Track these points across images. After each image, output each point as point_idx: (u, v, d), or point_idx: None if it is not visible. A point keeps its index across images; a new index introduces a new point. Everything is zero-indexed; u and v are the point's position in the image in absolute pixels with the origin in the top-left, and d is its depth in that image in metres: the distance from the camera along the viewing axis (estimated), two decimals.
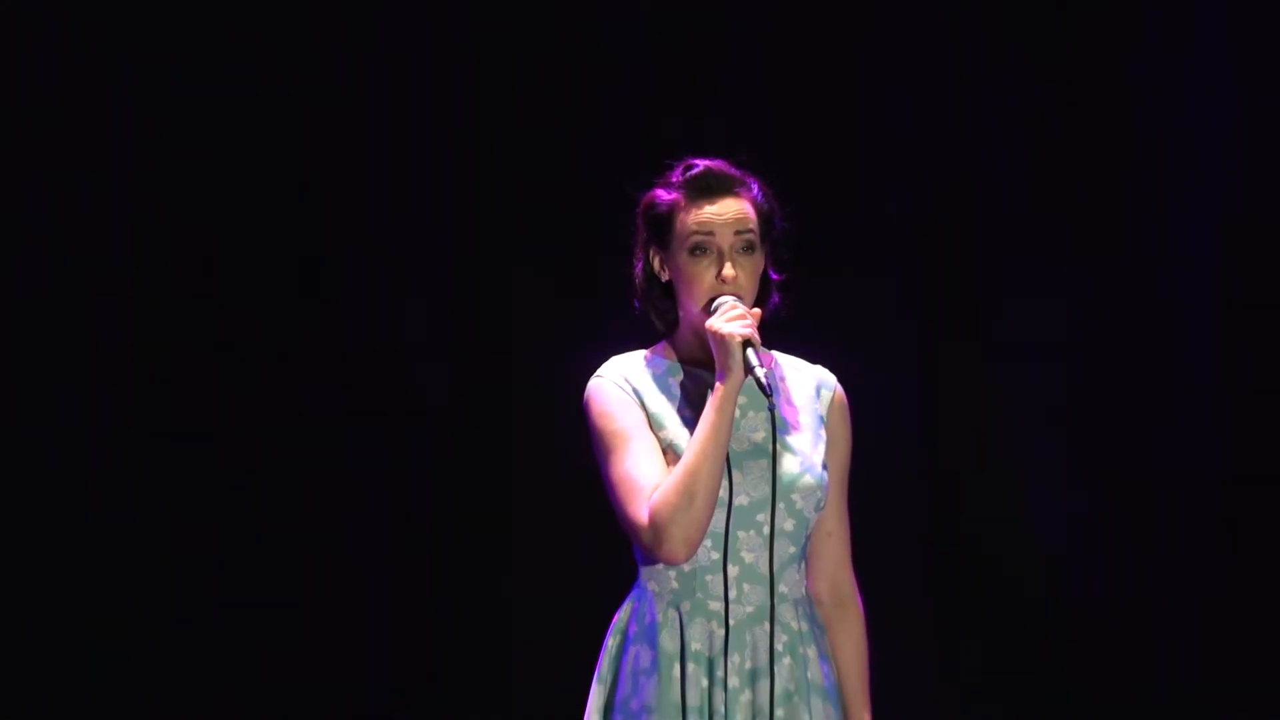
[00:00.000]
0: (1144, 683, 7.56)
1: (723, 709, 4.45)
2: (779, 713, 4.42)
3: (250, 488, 7.34)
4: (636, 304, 4.60)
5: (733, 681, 4.43)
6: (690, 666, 4.44)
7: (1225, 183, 7.79)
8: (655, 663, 4.45)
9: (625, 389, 4.50)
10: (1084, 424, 7.60)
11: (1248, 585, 7.76)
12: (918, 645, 6.96)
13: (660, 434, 4.44)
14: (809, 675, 4.48)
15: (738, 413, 4.41)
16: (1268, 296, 7.69)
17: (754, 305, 4.42)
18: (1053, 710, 7.45)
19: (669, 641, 4.43)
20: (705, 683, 4.43)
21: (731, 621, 4.43)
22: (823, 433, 4.56)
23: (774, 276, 4.51)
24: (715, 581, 4.41)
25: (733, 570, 4.41)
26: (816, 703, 4.46)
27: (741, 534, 4.43)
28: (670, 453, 4.40)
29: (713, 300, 4.37)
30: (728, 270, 4.37)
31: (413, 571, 7.30)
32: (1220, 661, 7.66)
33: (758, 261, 4.43)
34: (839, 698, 4.58)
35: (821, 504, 4.49)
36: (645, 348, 4.57)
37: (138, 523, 7.33)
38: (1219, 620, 7.67)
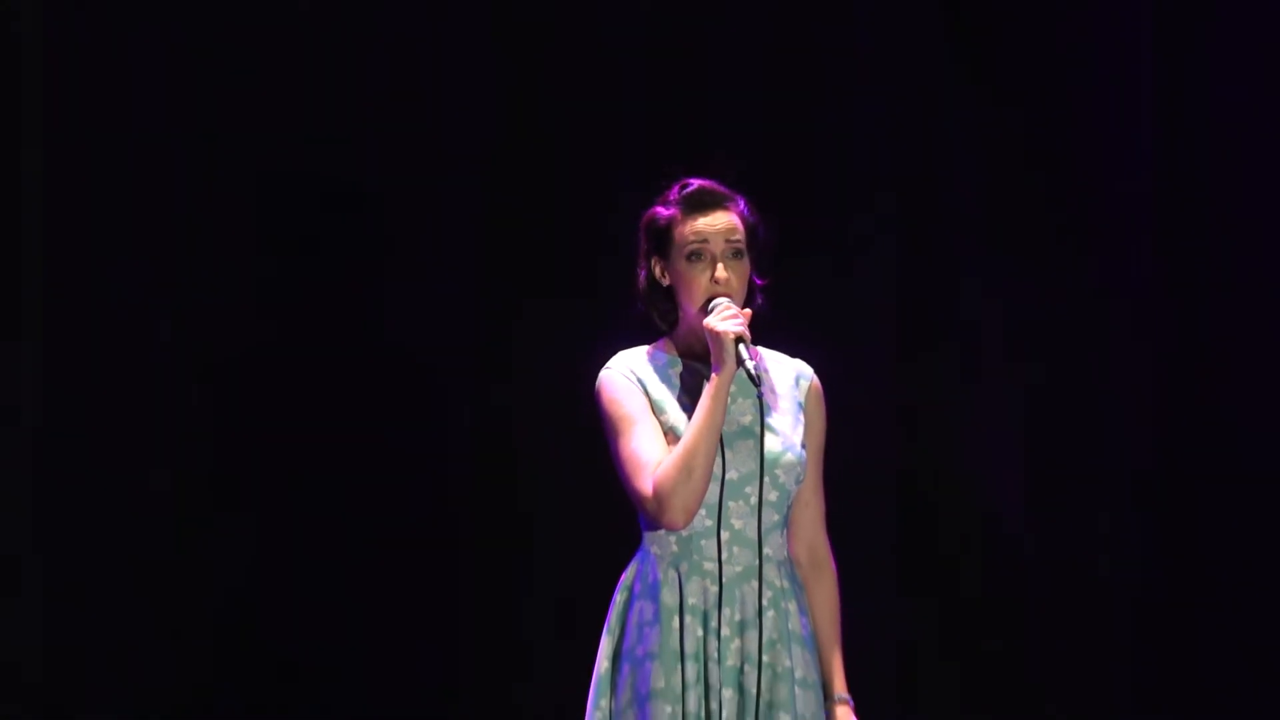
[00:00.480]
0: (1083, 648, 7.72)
1: (716, 655, 4.84)
2: (765, 658, 4.82)
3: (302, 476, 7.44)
4: (640, 306, 4.99)
5: (725, 631, 4.84)
6: (688, 619, 4.84)
7: (1155, 199, 7.94)
8: (657, 615, 4.85)
9: (631, 379, 4.91)
10: (1037, 421, 7.78)
11: (1184, 580, 7.94)
12: (884, 609, 7.16)
13: (661, 418, 4.84)
14: (790, 626, 4.88)
15: (729, 399, 4.85)
16: (1198, 303, 7.90)
17: (743, 306, 4.83)
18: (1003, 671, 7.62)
19: (669, 597, 4.84)
20: (700, 632, 4.83)
21: (724, 580, 4.83)
22: (801, 417, 4.95)
23: (758, 281, 4.91)
24: (709, 545, 4.83)
25: (724, 535, 4.82)
26: (796, 649, 4.86)
27: (732, 504, 4.82)
28: (670, 434, 4.81)
29: (709, 301, 4.77)
30: (720, 272, 4.76)
31: (449, 546, 7.41)
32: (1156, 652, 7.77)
33: (745, 266, 4.83)
34: (815, 646, 4.97)
35: (801, 478, 4.89)
36: (646, 345, 5.00)
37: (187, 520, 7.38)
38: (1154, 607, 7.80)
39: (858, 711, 5.11)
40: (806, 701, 4.95)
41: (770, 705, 4.89)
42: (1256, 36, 8.23)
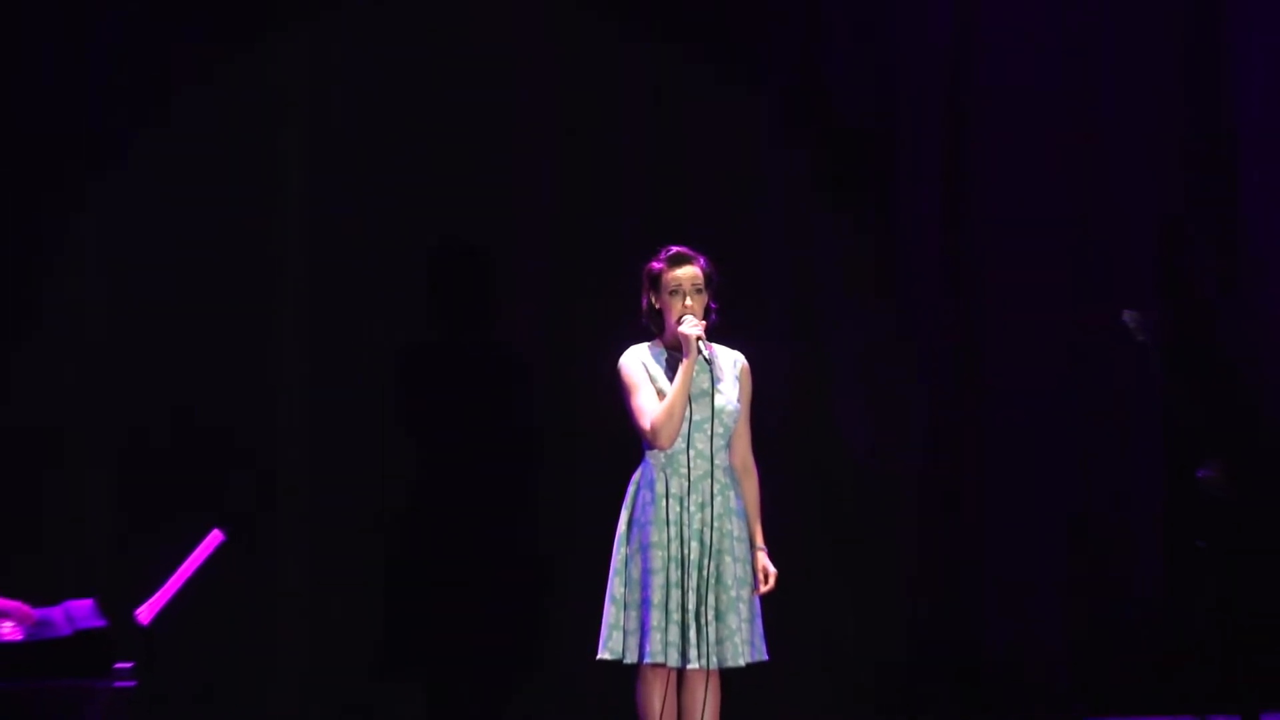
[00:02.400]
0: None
1: (687, 521, 6.31)
2: (715, 524, 6.30)
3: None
4: (643, 320, 6.46)
5: (691, 508, 6.31)
6: (670, 500, 6.35)
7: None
8: (652, 498, 6.33)
9: (637, 362, 6.38)
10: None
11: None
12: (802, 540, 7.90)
13: (655, 385, 6.33)
14: (730, 505, 6.36)
15: (695, 373, 6.23)
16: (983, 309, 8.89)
17: (703, 319, 6.27)
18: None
19: (659, 487, 6.33)
20: (678, 509, 6.33)
21: (691, 478, 6.32)
22: (737, 384, 6.41)
23: (712, 306, 6.36)
24: (682, 458, 6.33)
25: (691, 453, 6.31)
26: (734, 518, 6.36)
27: (696, 435, 6.29)
28: (660, 394, 6.30)
29: (681, 317, 6.25)
30: (688, 302, 6.30)
31: (532, 485, 8.44)
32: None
33: (704, 298, 6.31)
34: (745, 519, 6.41)
35: (736, 419, 6.36)
36: (647, 342, 6.45)
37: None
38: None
39: (770, 557, 6.43)
40: (740, 549, 6.35)
41: (718, 550, 6.28)
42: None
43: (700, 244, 6.64)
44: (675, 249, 6.52)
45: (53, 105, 7.87)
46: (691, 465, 6.43)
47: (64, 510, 7.77)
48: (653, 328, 6.59)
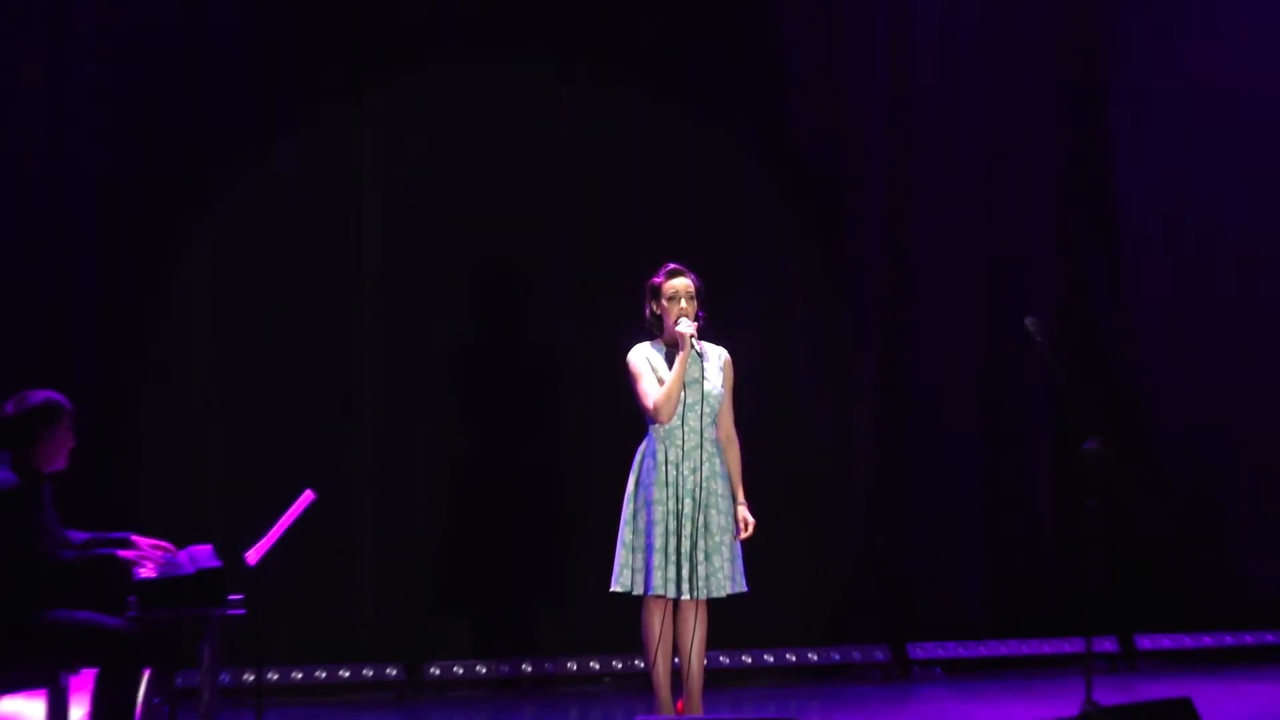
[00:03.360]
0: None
1: (681, 482, 6.37)
2: (704, 484, 6.37)
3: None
4: (646, 323, 6.54)
5: (685, 472, 6.39)
6: (668, 465, 6.41)
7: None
8: (654, 464, 6.41)
9: (642, 356, 6.52)
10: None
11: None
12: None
13: (656, 374, 6.44)
14: (716, 469, 6.45)
15: (688, 364, 6.35)
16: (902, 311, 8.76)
17: (694, 320, 6.39)
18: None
19: (660, 455, 6.42)
20: (675, 473, 6.40)
21: (685, 448, 6.41)
22: (721, 374, 6.51)
23: (700, 312, 6.47)
24: (679, 431, 6.42)
25: (685, 428, 6.41)
26: (719, 480, 6.44)
27: (689, 413, 6.42)
28: (660, 381, 6.40)
29: (677, 320, 6.38)
30: (683, 306, 6.41)
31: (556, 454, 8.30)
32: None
33: (694, 305, 6.43)
34: (728, 480, 6.48)
35: (721, 401, 6.45)
36: (649, 341, 6.54)
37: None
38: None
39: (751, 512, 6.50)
40: (724, 504, 6.41)
41: (706, 505, 6.38)
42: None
43: (690, 261, 6.68)
44: (672, 266, 6.59)
45: (177, 146, 7.86)
46: (685, 438, 6.45)
47: (189, 475, 7.72)
48: (654, 330, 6.61)
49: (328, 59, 8.01)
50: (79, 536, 5.77)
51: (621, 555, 6.50)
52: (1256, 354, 9.07)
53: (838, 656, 8.52)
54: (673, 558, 6.33)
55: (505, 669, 8.20)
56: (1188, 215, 9.04)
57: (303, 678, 7.90)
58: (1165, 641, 8.88)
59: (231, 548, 5.80)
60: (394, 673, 8.04)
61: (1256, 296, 9.09)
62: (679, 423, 6.46)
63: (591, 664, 8.26)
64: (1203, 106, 9.02)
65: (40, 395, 5.67)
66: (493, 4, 8.19)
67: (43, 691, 5.60)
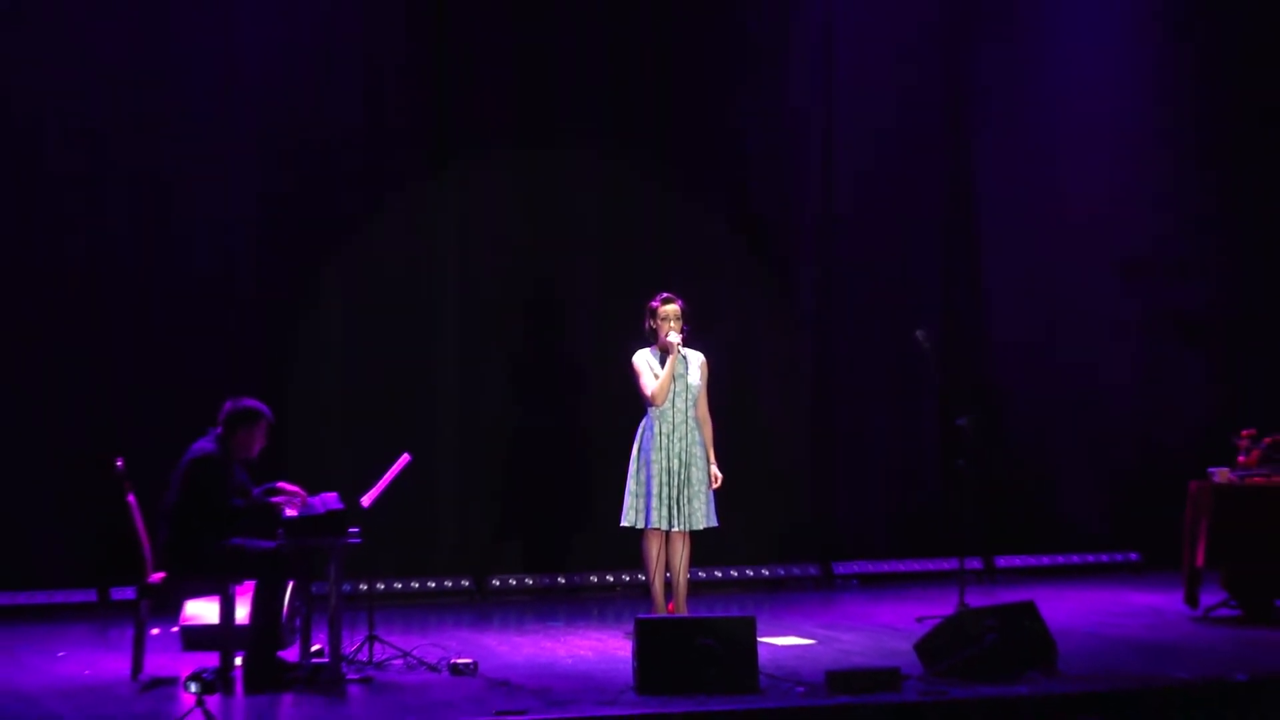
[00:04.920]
0: None
1: (670, 447, 6.41)
2: (688, 450, 6.37)
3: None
4: (646, 334, 6.55)
5: (674, 440, 6.44)
6: (662, 435, 6.47)
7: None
8: (651, 435, 6.47)
9: (642, 358, 6.55)
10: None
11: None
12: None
13: (653, 371, 6.45)
14: (696, 439, 6.48)
15: (676, 365, 6.38)
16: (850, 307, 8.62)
17: (680, 333, 6.40)
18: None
19: (655, 428, 6.47)
20: (666, 441, 6.45)
21: (674, 424, 6.46)
22: (699, 371, 6.50)
23: (684, 327, 6.47)
24: (670, 411, 6.47)
25: (673, 410, 6.46)
26: (699, 447, 6.44)
27: (676, 399, 6.45)
28: (656, 376, 6.44)
29: (668, 333, 6.38)
30: (673, 324, 6.42)
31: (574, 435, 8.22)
32: None
33: (681, 322, 6.42)
34: (704, 447, 6.48)
35: (699, 390, 6.45)
36: (648, 347, 6.55)
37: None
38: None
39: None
40: (701, 463, 6.44)
41: (688, 465, 6.39)
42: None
43: (677, 290, 6.69)
44: (665, 295, 6.60)
45: (312, 217, 7.81)
46: (674, 416, 6.47)
47: (317, 442, 7.59)
48: (651, 339, 6.59)
49: (420, 146, 7.97)
50: (257, 490, 5.75)
51: (628, 500, 6.45)
52: (1074, 360, 8.99)
53: (782, 572, 8.43)
54: (665, 501, 6.31)
55: (546, 580, 8.11)
56: (1028, 272, 8.96)
57: (401, 587, 7.83)
58: (1016, 561, 8.79)
59: (351, 495, 5.75)
60: (466, 583, 7.98)
61: (1079, 317, 9.06)
62: (669, 406, 6.46)
63: (608, 577, 8.15)
64: (1039, 208, 8.94)
65: (249, 402, 5.66)
66: (536, 106, 8.09)
67: (217, 596, 5.62)
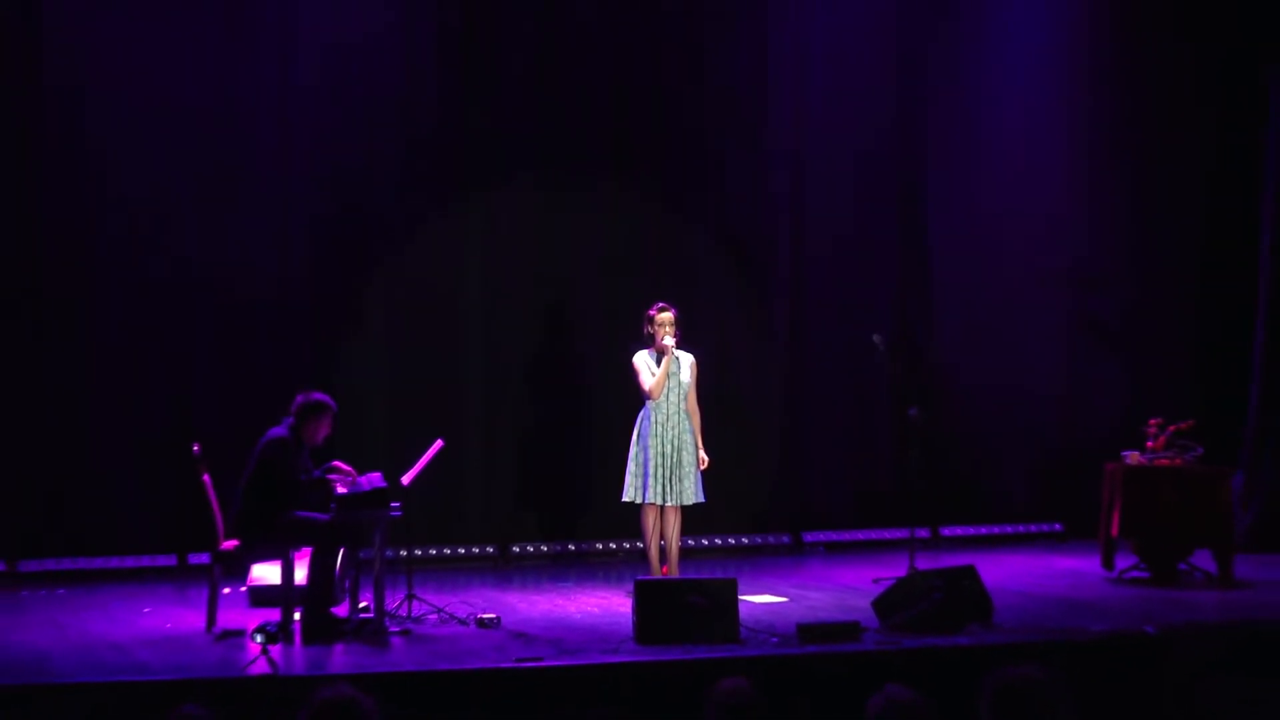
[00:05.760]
0: None
1: (664, 434, 6.39)
2: (680, 437, 6.35)
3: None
4: (645, 338, 6.51)
5: (668, 428, 6.42)
6: (658, 424, 6.46)
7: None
8: (649, 423, 6.44)
9: (642, 358, 6.53)
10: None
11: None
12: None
13: (650, 369, 6.45)
14: (686, 427, 6.46)
15: (670, 364, 6.38)
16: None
17: (674, 337, 6.42)
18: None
19: (653, 418, 6.44)
20: (660, 429, 6.43)
21: (668, 414, 6.44)
22: (689, 370, 6.50)
23: (677, 332, 6.47)
24: (664, 404, 6.44)
25: (667, 402, 6.43)
26: (689, 435, 6.41)
27: (670, 394, 6.41)
28: (653, 374, 6.44)
29: (663, 337, 6.39)
30: (667, 329, 6.41)
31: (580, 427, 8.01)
32: None
33: (674, 327, 6.40)
34: (693, 434, 6.46)
35: (689, 386, 6.44)
36: (646, 348, 6.52)
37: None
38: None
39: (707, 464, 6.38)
40: (690, 448, 6.42)
41: (679, 449, 6.37)
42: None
43: (671, 300, 6.64)
44: (661, 304, 6.57)
45: (357, 235, 7.74)
46: (668, 408, 6.44)
47: (363, 429, 7.30)
48: (648, 342, 6.55)
49: (450, 176, 7.83)
50: (317, 471, 5.73)
51: (629, 479, 6.40)
52: (1008, 359, 8.83)
53: (759, 540, 8.24)
54: (660, 479, 6.28)
55: (559, 547, 7.97)
56: (969, 282, 8.82)
57: (435, 553, 7.69)
58: (958, 530, 8.67)
59: (393, 474, 5.66)
60: (491, 550, 7.87)
61: (1010, 323, 8.92)
62: (664, 399, 6.43)
63: (611, 545, 8.00)
64: (980, 227, 8.76)
65: (319, 395, 5.62)
66: (547, 143, 7.91)
67: (279, 561, 5.62)
